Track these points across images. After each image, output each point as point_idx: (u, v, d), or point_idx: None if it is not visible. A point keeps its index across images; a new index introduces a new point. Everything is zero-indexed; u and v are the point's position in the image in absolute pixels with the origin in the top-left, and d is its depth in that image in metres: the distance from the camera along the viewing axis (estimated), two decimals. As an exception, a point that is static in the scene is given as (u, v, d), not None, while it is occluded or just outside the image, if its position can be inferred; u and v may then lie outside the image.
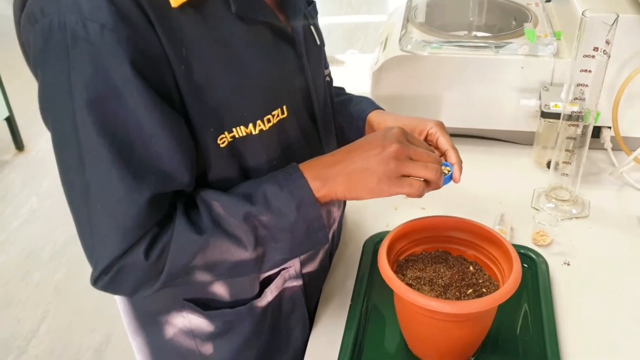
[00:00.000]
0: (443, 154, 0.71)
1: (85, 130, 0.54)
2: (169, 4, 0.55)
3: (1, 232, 2.21)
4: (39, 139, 2.72)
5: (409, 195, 0.62)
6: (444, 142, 0.71)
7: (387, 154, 0.61)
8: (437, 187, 0.64)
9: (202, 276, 0.62)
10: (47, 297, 1.92)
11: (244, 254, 0.61)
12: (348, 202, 0.92)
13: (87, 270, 0.58)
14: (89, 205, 0.56)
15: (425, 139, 0.73)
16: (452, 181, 0.68)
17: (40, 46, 0.55)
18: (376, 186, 0.61)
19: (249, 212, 0.60)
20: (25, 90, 2.73)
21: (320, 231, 0.63)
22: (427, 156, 0.63)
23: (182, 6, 0.56)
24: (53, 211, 2.29)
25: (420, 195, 0.62)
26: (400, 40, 1.12)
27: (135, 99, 0.54)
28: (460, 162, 0.69)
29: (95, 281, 0.59)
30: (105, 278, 0.58)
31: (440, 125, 0.72)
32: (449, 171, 0.67)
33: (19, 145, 2.65)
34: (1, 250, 2.13)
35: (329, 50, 0.78)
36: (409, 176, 0.62)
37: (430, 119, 0.73)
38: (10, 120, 2.55)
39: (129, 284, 0.59)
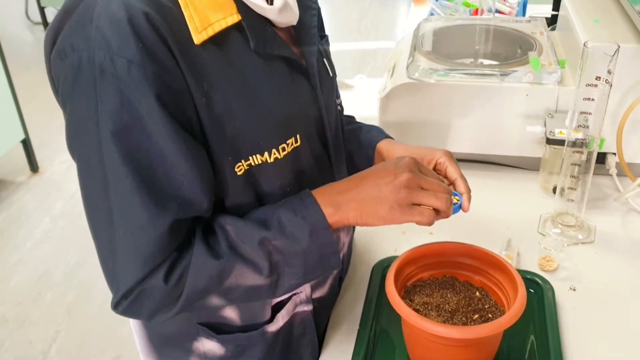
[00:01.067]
0: (452, 183, 0.72)
1: (111, 159, 0.56)
2: (192, 41, 0.58)
3: (15, 252, 2.24)
4: (53, 161, 2.76)
5: (419, 223, 0.64)
6: (452, 172, 0.72)
7: (399, 183, 0.63)
8: (447, 216, 0.65)
9: (217, 301, 0.63)
10: (58, 319, 1.93)
11: (259, 279, 0.62)
12: (357, 227, 0.94)
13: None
14: (112, 232, 0.58)
15: (434, 168, 0.74)
16: (461, 210, 0.69)
17: (69, 80, 0.57)
18: (387, 214, 0.63)
19: (264, 237, 0.62)
20: (40, 113, 2.80)
21: (333, 256, 0.65)
22: (437, 186, 0.65)
23: (204, 43, 0.59)
24: (65, 233, 2.31)
25: (430, 224, 0.64)
26: (407, 67, 1.14)
27: (159, 130, 0.56)
28: (469, 191, 0.71)
29: (116, 306, 0.60)
30: (125, 302, 0.60)
31: (449, 154, 0.74)
32: (457, 200, 0.69)
33: (33, 167, 2.68)
34: (15, 270, 2.15)
35: (338, 75, 0.81)
36: (419, 205, 0.64)
37: (439, 149, 0.75)
38: (26, 142, 2.59)
39: (148, 308, 0.60)
